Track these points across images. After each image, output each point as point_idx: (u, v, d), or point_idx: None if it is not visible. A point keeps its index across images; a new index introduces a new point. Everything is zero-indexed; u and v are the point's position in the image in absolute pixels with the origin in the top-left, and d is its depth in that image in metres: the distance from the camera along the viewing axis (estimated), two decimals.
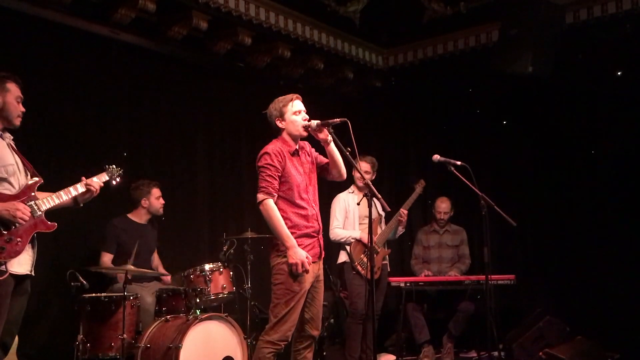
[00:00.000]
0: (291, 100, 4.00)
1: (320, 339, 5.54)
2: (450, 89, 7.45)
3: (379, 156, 6.15)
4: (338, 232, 5.71)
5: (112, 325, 4.62)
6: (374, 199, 3.82)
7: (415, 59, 7.50)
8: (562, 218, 6.79)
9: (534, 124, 7.07)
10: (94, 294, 4.76)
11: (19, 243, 3.51)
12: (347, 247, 5.68)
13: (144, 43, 5.96)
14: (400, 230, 5.96)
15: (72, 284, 4.50)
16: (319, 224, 4.03)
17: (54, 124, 5.34)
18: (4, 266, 3.44)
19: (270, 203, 3.83)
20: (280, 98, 4.03)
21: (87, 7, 5.42)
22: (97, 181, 3.91)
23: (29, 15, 5.17)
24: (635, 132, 6.38)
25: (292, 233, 3.84)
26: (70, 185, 3.81)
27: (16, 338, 3.87)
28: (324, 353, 5.80)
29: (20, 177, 3.64)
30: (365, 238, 5.59)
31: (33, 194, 3.64)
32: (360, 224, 5.72)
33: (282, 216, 3.85)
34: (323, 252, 4.06)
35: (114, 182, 4.06)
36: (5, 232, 3.47)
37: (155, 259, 5.60)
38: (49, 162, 5.02)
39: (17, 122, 3.69)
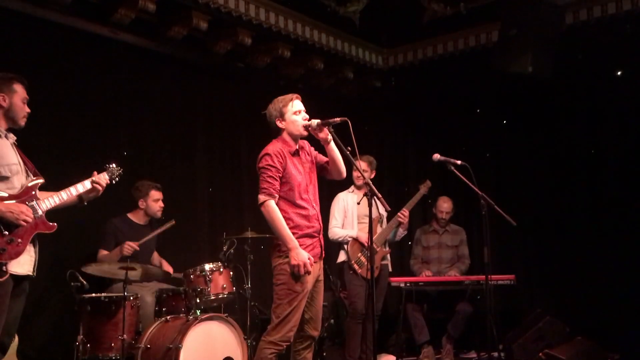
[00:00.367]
0: (291, 100, 4.00)
1: (320, 339, 5.54)
2: (450, 89, 7.45)
3: (379, 156, 6.16)
4: (336, 231, 5.72)
5: (112, 326, 4.62)
6: (374, 198, 3.82)
7: (415, 59, 7.50)
8: (562, 218, 6.79)
9: (534, 124, 7.07)
10: (94, 294, 4.76)
11: (20, 244, 3.51)
12: (345, 246, 5.68)
13: (144, 43, 5.96)
14: (402, 232, 5.95)
15: (72, 284, 4.51)
16: (319, 223, 4.04)
17: (53, 123, 5.33)
18: (4, 267, 3.44)
19: (272, 204, 3.83)
20: (280, 98, 4.03)
21: (87, 7, 5.42)
22: (104, 178, 3.93)
23: (28, 15, 5.17)
24: (635, 132, 6.38)
25: (293, 233, 3.84)
26: (69, 185, 3.81)
27: (16, 338, 3.88)
28: (324, 353, 5.80)
29: (22, 177, 3.65)
30: (362, 237, 5.61)
31: (34, 193, 3.64)
32: (360, 223, 5.72)
33: (284, 217, 3.85)
34: (324, 252, 4.07)
35: (113, 182, 4.06)
36: (6, 233, 3.47)
37: (156, 258, 5.59)
38: (48, 161, 4.98)
39: (23, 122, 3.74)
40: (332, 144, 3.98)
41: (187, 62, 6.40)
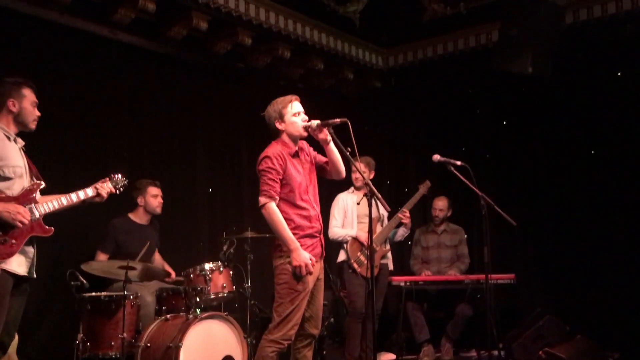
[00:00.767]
0: (290, 101, 4.00)
1: (320, 338, 5.55)
2: (450, 89, 7.45)
3: (379, 156, 6.17)
4: (336, 231, 5.74)
5: (112, 325, 4.62)
6: (374, 198, 3.82)
7: (415, 59, 7.51)
8: (562, 218, 6.79)
9: (534, 124, 7.07)
10: (94, 293, 4.76)
11: (14, 245, 3.52)
12: (345, 245, 5.69)
13: (144, 43, 5.96)
14: (405, 231, 5.96)
15: (72, 283, 4.51)
16: (320, 224, 4.05)
17: (53, 124, 5.30)
18: None
19: (273, 206, 3.84)
20: (279, 99, 4.03)
21: (87, 7, 5.43)
22: (108, 187, 3.96)
23: (28, 15, 5.17)
24: (635, 132, 6.38)
25: (295, 234, 3.85)
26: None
27: (16, 338, 3.88)
28: (324, 352, 5.80)
29: (25, 180, 3.68)
30: (361, 236, 5.63)
31: (34, 196, 3.66)
32: (360, 222, 5.73)
33: (285, 218, 3.86)
34: (324, 252, 4.08)
35: (117, 192, 4.11)
36: (0, 233, 3.48)
37: (158, 258, 5.60)
38: (48, 161, 5.01)
39: (33, 126, 3.80)
40: (332, 144, 3.99)
41: (187, 62, 6.41)
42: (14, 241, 3.52)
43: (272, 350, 3.80)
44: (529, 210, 6.85)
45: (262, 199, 3.86)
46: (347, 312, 5.83)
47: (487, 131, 7.40)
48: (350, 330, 5.68)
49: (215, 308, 5.22)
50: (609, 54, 6.44)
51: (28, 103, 3.75)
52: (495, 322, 4.82)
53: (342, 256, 5.77)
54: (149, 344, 4.63)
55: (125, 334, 4.55)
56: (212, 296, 4.97)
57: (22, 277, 3.59)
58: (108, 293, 4.84)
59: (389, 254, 5.89)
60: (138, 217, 5.45)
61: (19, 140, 3.76)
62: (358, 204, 5.72)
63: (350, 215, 5.78)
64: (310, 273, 3.85)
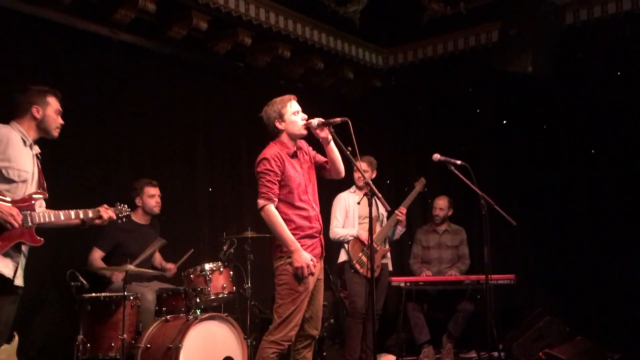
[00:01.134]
0: (289, 100, 4.00)
1: (320, 339, 5.54)
2: (450, 89, 7.45)
3: (379, 156, 6.16)
4: (337, 231, 5.75)
5: (112, 325, 4.61)
6: (375, 198, 3.82)
7: (415, 59, 7.51)
8: (562, 218, 6.78)
9: (534, 124, 7.06)
10: (94, 294, 4.75)
11: None
12: (346, 246, 5.69)
13: (144, 43, 5.96)
14: (400, 230, 5.97)
15: (72, 283, 4.50)
16: (320, 224, 4.04)
17: None
18: None
19: (272, 208, 3.84)
20: (277, 100, 4.01)
21: (87, 7, 5.42)
22: (110, 213, 3.98)
23: (28, 15, 5.17)
24: (635, 132, 6.38)
25: (295, 234, 3.85)
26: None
27: (16, 338, 3.88)
28: (324, 353, 5.79)
29: (30, 188, 3.69)
30: (362, 235, 5.62)
31: (32, 203, 3.66)
32: (360, 223, 5.73)
33: (285, 219, 3.86)
34: (324, 252, 4.07)
35: (119, 221, 4.15)
36: None
37: (157, 257, 5.60)
38: (47, 161, 5.00)
39: (56, 133, 3.87)
40: (332, 144, 3.99)
41: (187, 62, 6.40)
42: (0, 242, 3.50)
43: (273, 351, 3.80)
44: (529, 210, 6.84)
45: (261, 202, 3.85)
46: (347, 312, 5.83)
47: (487, 131, 7.40)
48: (351, 330, 5.68)
49: (216, 309, 5.22)
50: (609, 54, 6.44)
51: (52, 111, 3.81)
52: (495, 323, 4.82)
53: (343, 256, 5.76)
54: (149, 345, 4.62)
55: (125, 335, 4.53)
56: (212, 297, 4.97)
57: (9, 281, 3.55)
58: (108, 294, 4.84)
59: (388, 254, 5.89)
60: (138, 218, 5.44)
61: (35, 147, 3.80)
62: (358, 203, 5.72)
63: (351, 215, 5.77)
64: (312, 274, 3.85)
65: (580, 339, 5.78)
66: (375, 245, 5.65)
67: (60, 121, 3.86)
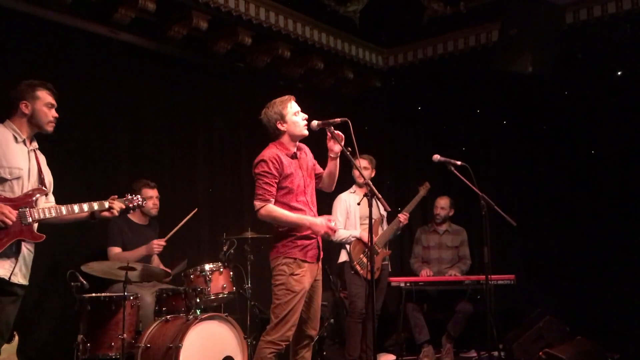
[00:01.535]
0: (289, 101, 4.00)
1: (320, 339, 5.55)
2: (450, 89, 7.45)
3: (379, 156, 6.16)
4: (340, 232, 5.71)
5: (112, 325, 4.61)
6: (375, 198, 3.82)
7: (415, 59, 7.51)
8: (562, 218, 6.78)
9: (534, 124, 7.06)
10: (94, 294, 4.75)
11: None
12: (347, 246, 5.68)
13: (144, 43, 5.95)
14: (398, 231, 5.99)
15: (72, 283, 4.50)
16: None
17: None
18: None
19: (269, 207, 3.84)
20: (277, 101, 4.00)
21: (87, 7, 5.42)
22: (119, 205, 3.96)
23: (28, 15, 5.16)
24: (635, 132, 6.38)
25: (293, 235, 3.87)
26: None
27: (16, 338, 3.88)
28: (324, 353, 5.80)
29: (27, 184, 3.65)
30: (365, 236, 5.60)
31: (32, 200, 3.62)
32: (361, 224, 5.73)
33: None
34: (322, 253, 4.07)
35: (129, 211, 4.24)
36: None
37: (155, 259, 5.59)
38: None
39: (49, 127, 3.78)
40: (337, 160, 4.02)
41: (187, 62, 6.40)
42: None
43: (270, 351, 3.81)
44: (529, 210, 6.84)
45: (258, 203, 3.86)
46: (347, 313, 5.83)
47: (487, 131, 7.40)
48: (351, 330, 5.68)
49: (215, 309, 5.22)
50: (609, 54, 6.44)
51: (42, 105, 3.72)
52: (495, 323, 4.81)
53: (343, 257, 5.76)
54: (149, 345, 4.62)
55: (125, 335, 4.53)
56: (212, 297, 4.97)
57: (8, 282, 3.53)
58: (108, 294, 4.85)
59: (388, 256, 5.89)
60: (137, 218, 5.44)
61: (33, 143, 3.75)
62: (358, 204, 5.70)
63: (352, 216, 5.77)
64: (334, 231, 3.98)
65: (580, 339, 5.77)
66: (377, 248, 5.65)
67: (54, 114, 3.76)
